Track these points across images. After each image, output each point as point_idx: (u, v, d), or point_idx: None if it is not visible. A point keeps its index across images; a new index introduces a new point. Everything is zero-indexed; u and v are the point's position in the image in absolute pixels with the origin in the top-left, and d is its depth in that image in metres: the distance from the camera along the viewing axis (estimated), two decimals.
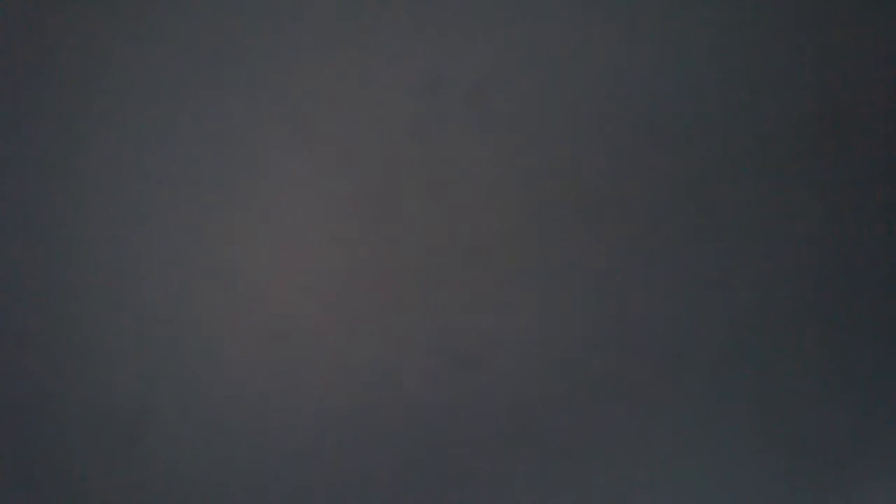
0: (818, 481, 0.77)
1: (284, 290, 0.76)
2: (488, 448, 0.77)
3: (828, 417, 0.77)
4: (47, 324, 0.76)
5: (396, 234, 0.76)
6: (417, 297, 0.76)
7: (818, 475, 0.77)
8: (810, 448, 0.77)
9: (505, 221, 0.76)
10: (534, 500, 0.77)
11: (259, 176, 0.76)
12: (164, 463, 0.76)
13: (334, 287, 0.76)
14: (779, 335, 0.77)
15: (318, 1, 0.77)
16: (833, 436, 0.77)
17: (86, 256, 0.76)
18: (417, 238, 0.76)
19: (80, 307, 0.76)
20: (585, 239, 0.77)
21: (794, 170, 0.78)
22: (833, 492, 0.77)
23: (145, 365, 0.76)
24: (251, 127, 0.76)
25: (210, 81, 0.76)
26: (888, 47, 0.78)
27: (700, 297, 0.77)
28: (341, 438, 0.76)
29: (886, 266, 0.78)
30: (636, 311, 0.77)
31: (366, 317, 0.76)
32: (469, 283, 0.76)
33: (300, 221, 0.76)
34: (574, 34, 0.78)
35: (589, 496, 0.77)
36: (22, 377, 0.76)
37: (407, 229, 0.76)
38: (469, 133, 0.76)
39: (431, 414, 0.76)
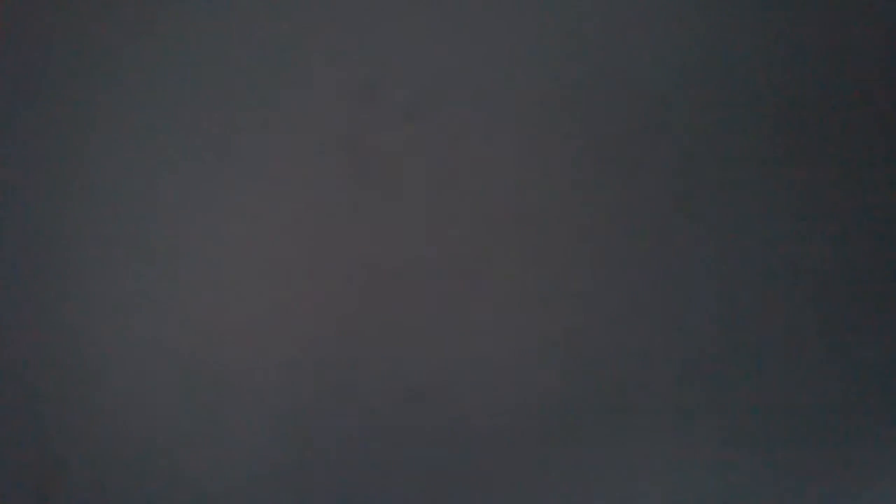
0: (820, 482, 0.77)
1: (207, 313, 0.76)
2: (485, 451, 0.77)
3: (829, 417, 0.77)
4: (46, 325, 0.76)
5: (335, 248, 0.76)
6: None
7: (820, 475, 0.77)
8: (812, 448, 0.77)
9: (442, 238, 0.75)
10: (531, 502, 0.77)
11: (183, 188, 0.76)
12: (163, 462, 0.76)
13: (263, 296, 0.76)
14: (779, 335, 0.77)
15: (251, 2, 0.77)
16: (835, 436, 0.77)
17: (84, 257, 0.76)
18: (350, 253, 0.75)
19: (77, 308, 0.76)
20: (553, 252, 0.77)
21: (794, 169, 0.78)
22: (834, 492, 0.77)
23: (145, 365, 0.76)
24: (178, 131, 0.76)
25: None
26: (888, 46, 0.78)
27: (699, 299, 0.77)
28: (345, 441, 0.76)
29: (886, 265, 0.78)
30: (631, 314, 0.77)
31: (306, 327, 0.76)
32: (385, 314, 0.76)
33: (231, 234, 0.76)
34: (520, 40, 0.77)
35: (587, 498, 0.77)
36: (22, 378, 0.76)
37: (348, 243, 0.76)
38: (406, 143, 0.75)
39: (431, 416, 0.76)
